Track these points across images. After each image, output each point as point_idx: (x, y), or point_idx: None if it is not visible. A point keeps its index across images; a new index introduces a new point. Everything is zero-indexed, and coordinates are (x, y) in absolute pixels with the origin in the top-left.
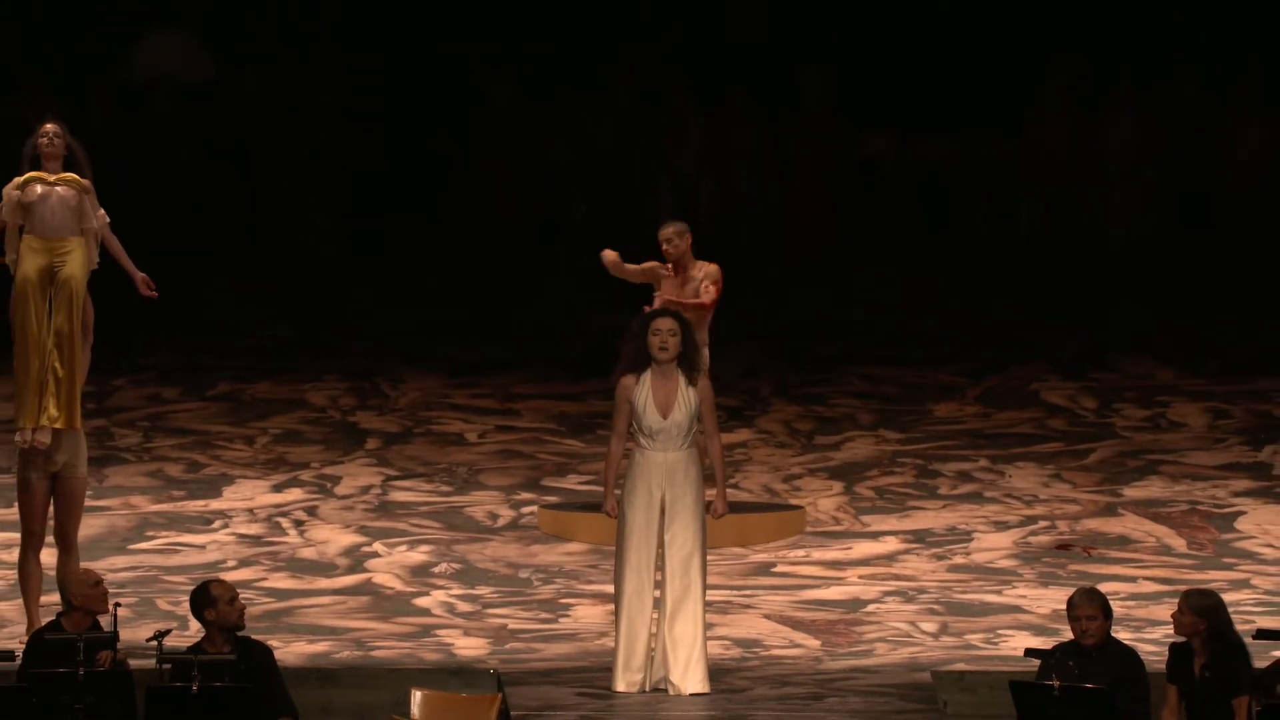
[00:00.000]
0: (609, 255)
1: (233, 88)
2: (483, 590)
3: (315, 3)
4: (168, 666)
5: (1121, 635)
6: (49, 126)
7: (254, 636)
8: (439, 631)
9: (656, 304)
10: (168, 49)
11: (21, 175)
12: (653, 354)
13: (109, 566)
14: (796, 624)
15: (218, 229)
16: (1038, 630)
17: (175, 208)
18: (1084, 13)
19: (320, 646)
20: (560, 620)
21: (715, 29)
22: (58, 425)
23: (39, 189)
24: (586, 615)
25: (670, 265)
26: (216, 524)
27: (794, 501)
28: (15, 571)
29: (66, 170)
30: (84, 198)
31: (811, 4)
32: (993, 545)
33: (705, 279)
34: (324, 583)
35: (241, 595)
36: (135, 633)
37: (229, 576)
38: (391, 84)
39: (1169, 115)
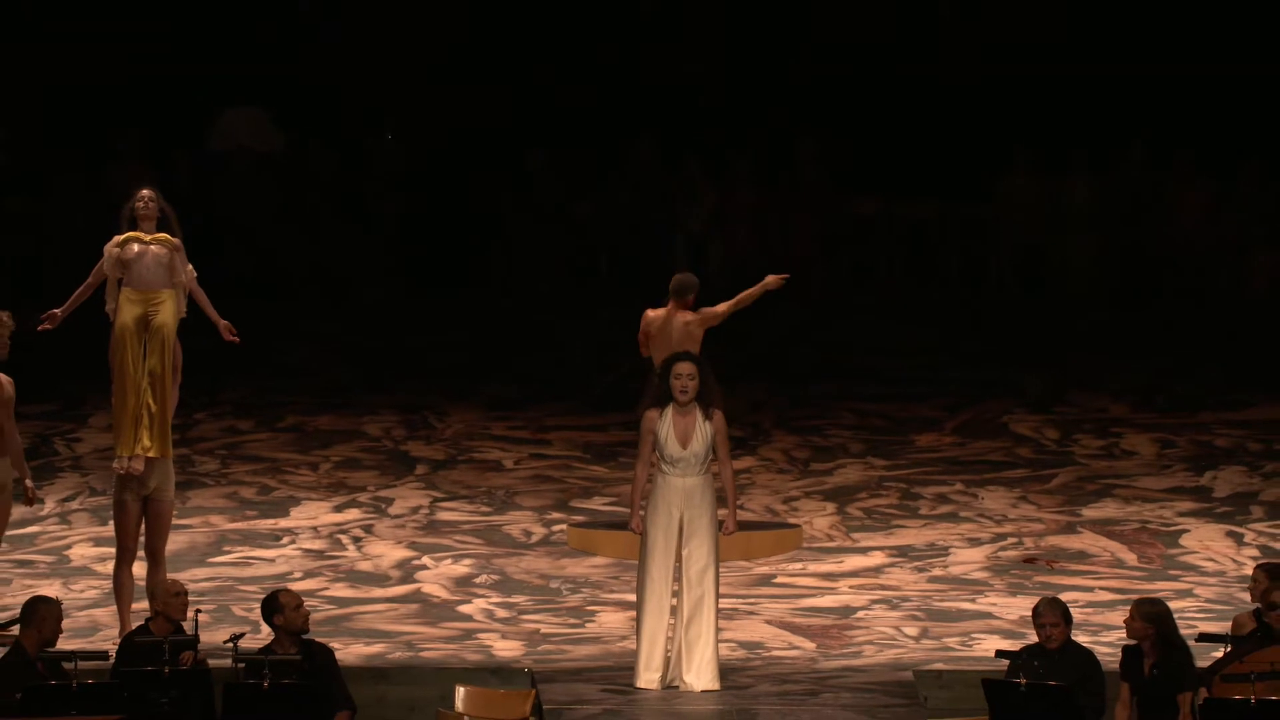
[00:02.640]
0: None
1: (300, 158)
2: (518, 599)
3: (371, 86)
4: (242, 666)
5: (1080, 639)
6: (145, 191)
7: (317, 639)
8: (480, 635)
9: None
10: (244, 124)
11: (121, 234)
12: (674, 396)
13: (191, 578)
14: (795, 629)
15: (286, 281)
16: (1007, 634)
17: (250, 262)
18: (1047, 92)
19: (375, 648)
20: (587, 625)
21: (724, 105)
22: (150, 454)
23: (136, 247)
24: (610, 621)
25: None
26: (285, 540)
27: (792, 520)
28: (110, 582)
29: (160, 230)
30: (175, 255)
31: (810, 84)
32: (967, 559)
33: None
34: (379, 592)
35: (306, 603)
36: (213, 636)
37: (295, 586)
38: (438, 153)
39: (1121, 181)
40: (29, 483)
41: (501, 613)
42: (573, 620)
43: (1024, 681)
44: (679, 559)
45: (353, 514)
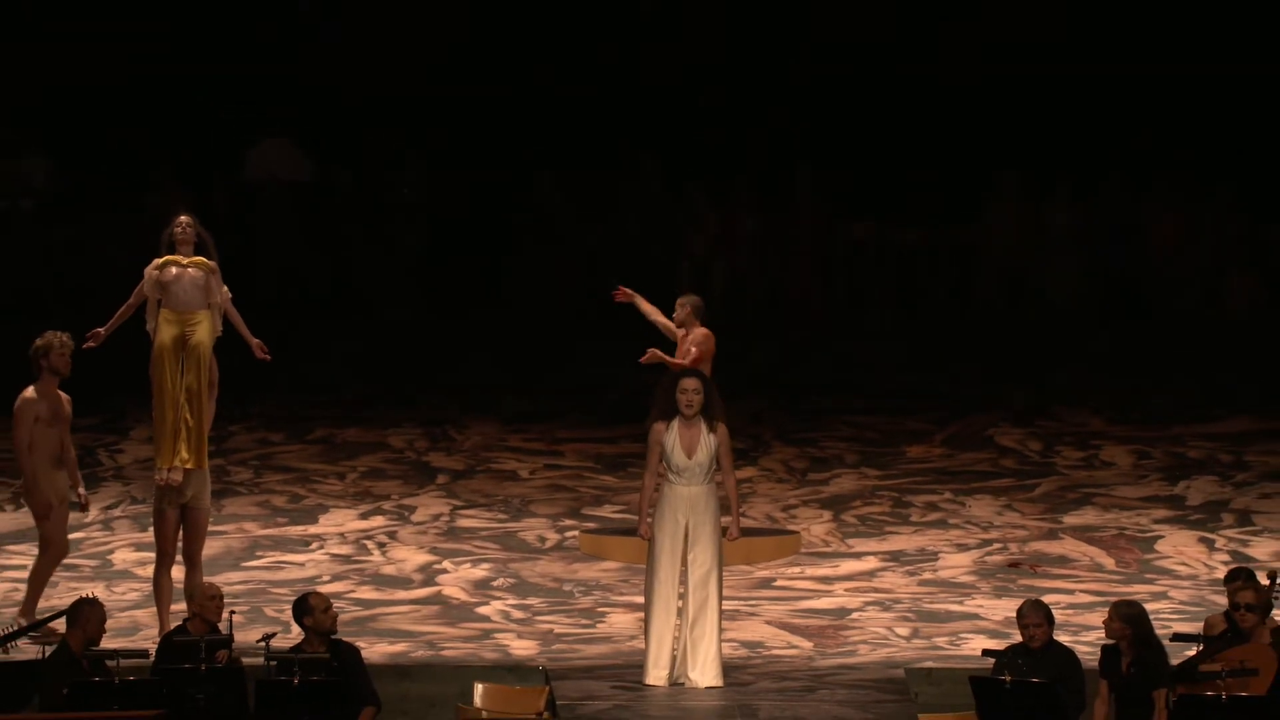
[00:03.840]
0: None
1: (327, 185)
2: (533, 600)
3: (392, 115)
4: (274, 664)
5: (1061, 638)
6: (183, 218)
7: (344, 639)
8: (497, 635)
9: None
10: (274, 154)
11: (160, 258)
12: (680, 410)
13: (225, 581)
14: (793, 629)
15: (315, 301)
16: (993, 634)
17: (280, 284)
18: (1031, 122)
19: (399, 647)
20: (598, 626)
21: (726, 135)
22: (188, 465)
23: (174, 270)
24: (620, 621)
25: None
26: (314, 545)
27: (791, 527)
28: (151, 585)
29: (197, 254)
30: (211, 277)
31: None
32: (955, 563)
33: (691, 342)
34: (402, 594)
35: (334, 605)
36: (247, 635)
37: (324, 589)
38: (455, 180)
39: (1101, 207)
40: (81, 490)
41: (517, 614)
42: (584, 621)
43: (1009, 679)
44: (685, 563)
45: (378, 521)
